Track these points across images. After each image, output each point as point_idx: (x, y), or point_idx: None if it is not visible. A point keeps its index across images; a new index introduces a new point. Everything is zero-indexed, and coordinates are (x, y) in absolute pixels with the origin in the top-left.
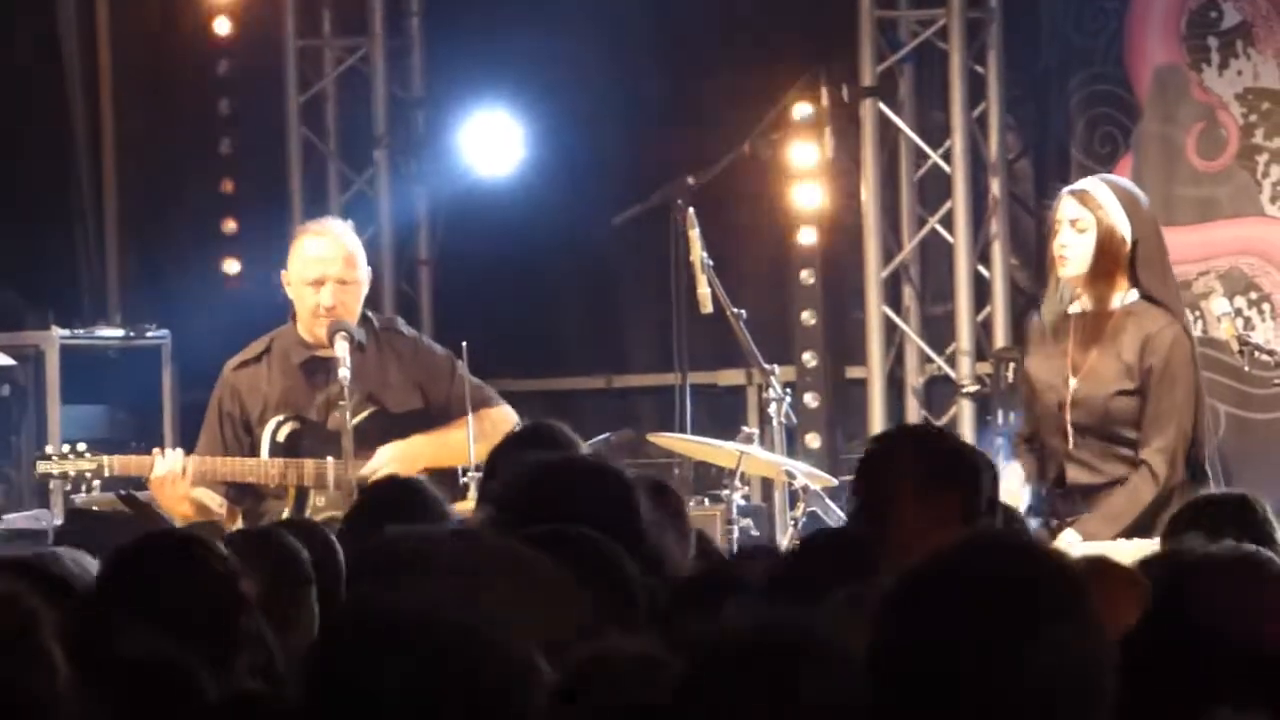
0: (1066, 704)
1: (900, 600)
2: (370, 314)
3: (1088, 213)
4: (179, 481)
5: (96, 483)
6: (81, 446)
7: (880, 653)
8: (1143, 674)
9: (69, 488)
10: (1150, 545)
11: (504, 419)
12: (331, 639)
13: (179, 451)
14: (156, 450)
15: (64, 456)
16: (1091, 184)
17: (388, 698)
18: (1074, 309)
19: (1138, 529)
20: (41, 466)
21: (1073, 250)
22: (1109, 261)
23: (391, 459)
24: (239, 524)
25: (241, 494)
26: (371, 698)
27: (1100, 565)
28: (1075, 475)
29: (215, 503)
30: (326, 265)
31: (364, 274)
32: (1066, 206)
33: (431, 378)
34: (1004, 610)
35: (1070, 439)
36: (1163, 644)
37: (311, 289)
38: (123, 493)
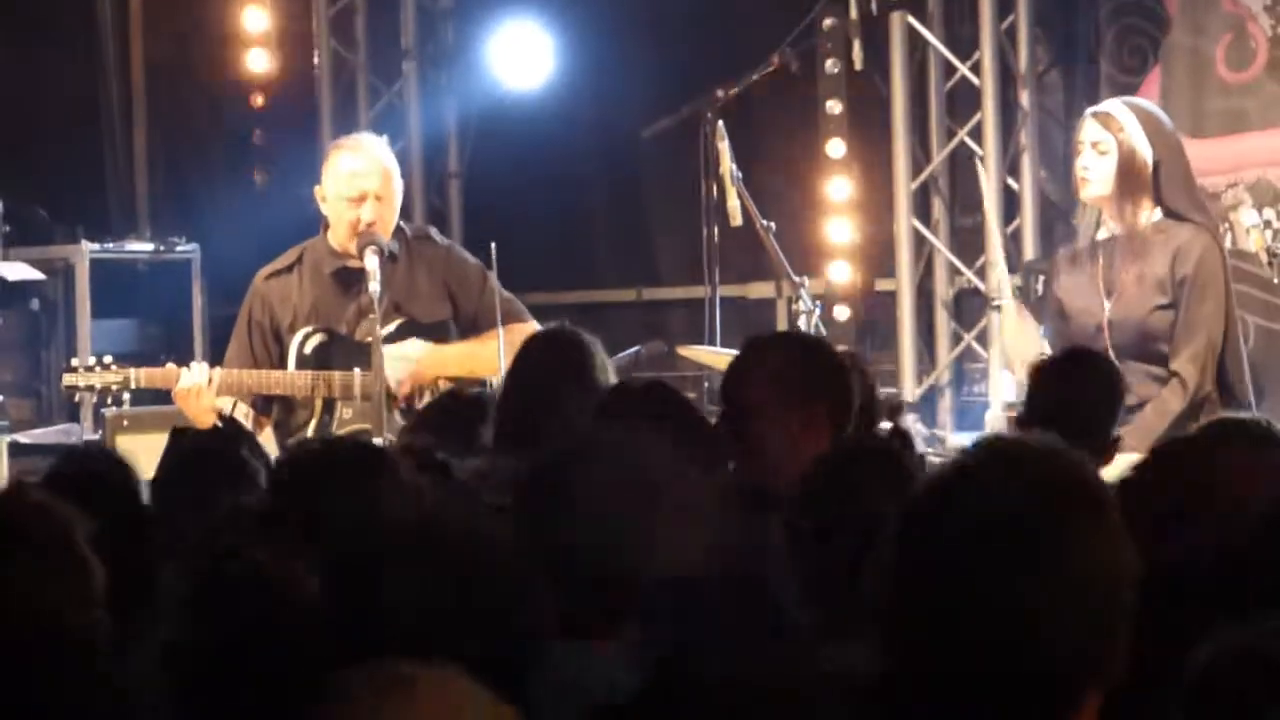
0: (1091, 616)
1: (921, 518)
2: (403, 224)
3: (1109, 135)
4: (205, 393)
5: (126, 396)
6: (108, 359)
7: (901, 571)
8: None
9: (96, 400)
10: None
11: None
12: (353, 548)
13: (204, 365)
14: (173, 369)
15: (89, 369)
16: (1113, 105)
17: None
18: (1101, 234)
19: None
20: (68, 379)
21: (1094, 172)
22: (1131, 182)
23: (421, 358)
24: (268, 433)
25: (268, 404)
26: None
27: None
28: None
29: (242, 412)
30: (365, 181)
31: (399, 188)
32: (1088, 128)
33: (461, 286)
34: (1028, 522)
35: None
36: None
37: (351, 205)
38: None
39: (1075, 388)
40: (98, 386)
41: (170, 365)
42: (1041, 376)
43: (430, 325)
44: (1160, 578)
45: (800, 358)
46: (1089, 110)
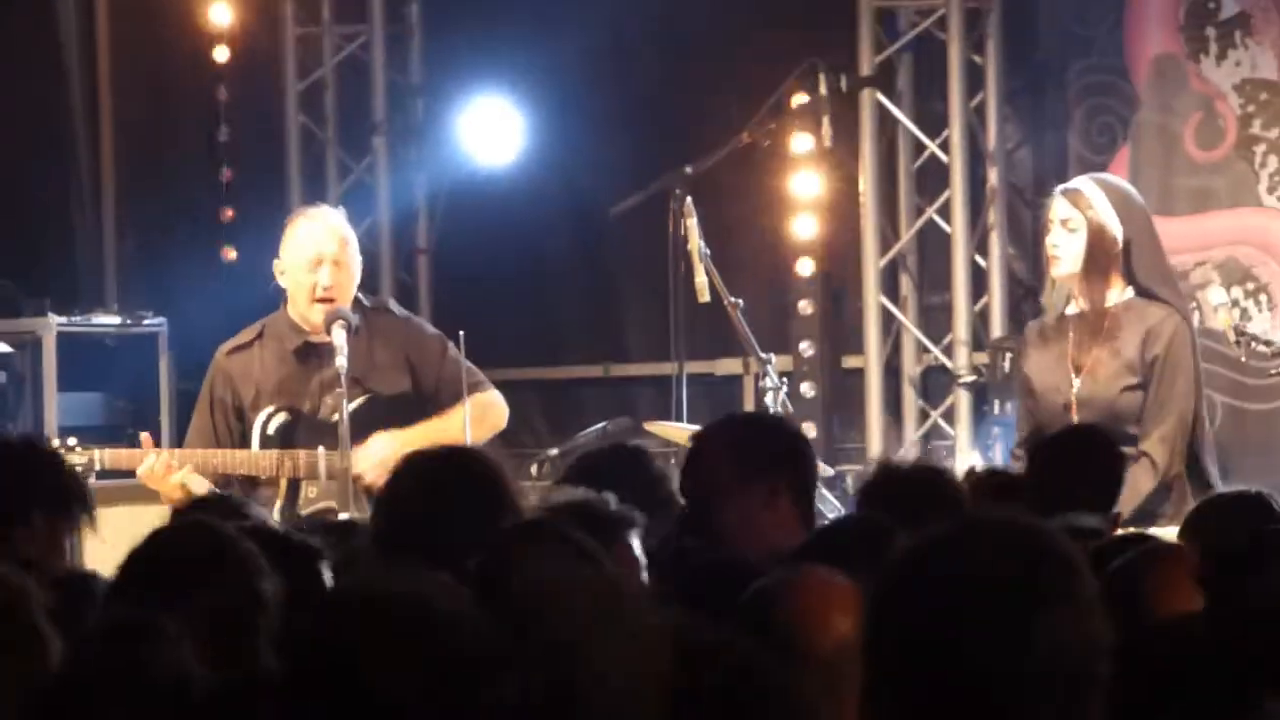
0: (1062, 691)
1: (895, 588)
2: (361, 295)
3: (1077, 212)
4: (171, 473)
5: (90, 476)
6: (72, 441)
7: (874, 640)
8: (1199, 658)
9: None
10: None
11: (493, 404)
12: (317, 618)
13: (166, 450)
14: (147, 439)
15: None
16: (1082, 183)
17: (364, 673)
18: (1070, 310)
19: (1137, 519)
20: None
21: (1064, 249)
22: (1100, 260)
23: (385, 448)
24: None
25: (228, 483)
26: (350, 673)
27: (1153, 548)
28: None
29: (204, 489)
30: (323, 246)
31: (357, 258)
32: (1058, 206)
33: (421, 357)
34: (1000, 597)
35: None
36: (1220, 625)
37: (309, 271)
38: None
39: (1079, 467)
40: None
41: (142, 441)
42: (1043, 456)
43: (392, 398)
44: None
45: (757, 435)
46: (1058, 188)
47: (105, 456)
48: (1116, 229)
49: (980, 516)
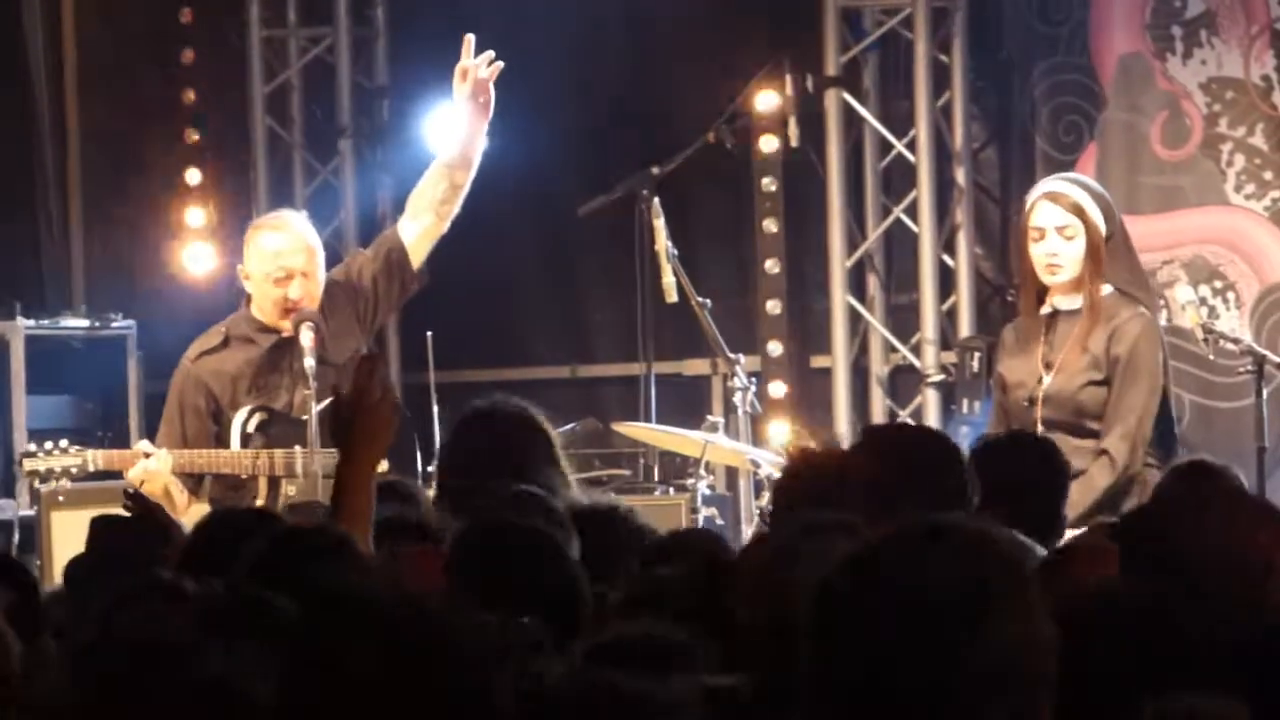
0: (1012, 692)
1: (839, 597)
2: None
3: (1074, 219)
4: (161, 475)
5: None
6: (65, 443)
7: (820, 651)
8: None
9: (38, 482)
10: None
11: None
12: (306, 628)
13: (163, 451)
14: (144, 444)
15: (48, 453)
16: (1064, 186)
17: (357, 685)
18: (1045, 310)
19: (1096, 515)
20: (29, 464)
21: (1065, 257)
22: (1097, 263)
23: None
24: (195, 509)
25: (198, 484)
26: (342, 685)
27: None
28: None
29: (177, 489)
30: (291, 260)
31: (322, 261)
32: (1048, 213)
33: (358, 297)
34: (947, 603)
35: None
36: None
37: (278, 284)
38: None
39: (1019, 469)
40: (57, 470)
41: (115, 445)
42: (984, 459)
43: (343, 365)
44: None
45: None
46: (1041, 191)
47: (99, 458)
48: (1103, 230)
49: (926, 521)
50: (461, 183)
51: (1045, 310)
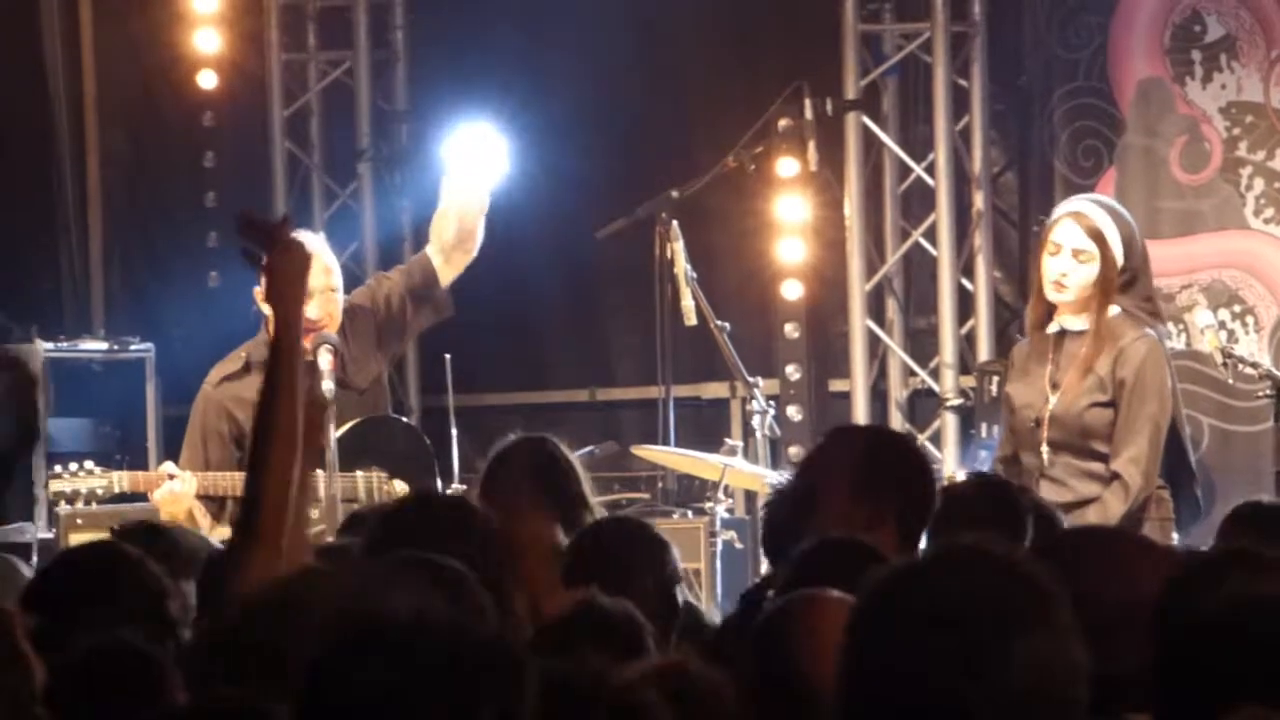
0: (1040, 714)
1: (870, 618)
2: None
3: (1092, 244)
4: (186, 498)
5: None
6: (90, 464)
7: (850, 670)
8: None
9: (62, 503)
10: None
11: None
12: (325, 647)
13: (188, 474)
14: (168, 466)
15: (74, 474)
16: (1089, 209)
17: (380, 702)
18: (1052, 328)
19: None
20: (55, 485)
21: (1073, 278)
22: (1107, 290)
23: None
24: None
25: (221, 508)
26: (363, 703)
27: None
28: (1048, 493)
29: (200, 512)
30: (310, 281)
31: (340, 282)
32: (1070, 232)
33: (376, 321)
34: (976, 624)
35: (1045, 456)
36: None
37: None
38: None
39: (977, 517)
40: (83, 491)
41: (135, 467)
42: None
43: (365, 391)
44: None
45: (879, 451)
46: (1068, 209)
47: (124, 479)
48: (1121, 260)
49: (955, 544)
50: (471, 226)
51: (1053, 329)
